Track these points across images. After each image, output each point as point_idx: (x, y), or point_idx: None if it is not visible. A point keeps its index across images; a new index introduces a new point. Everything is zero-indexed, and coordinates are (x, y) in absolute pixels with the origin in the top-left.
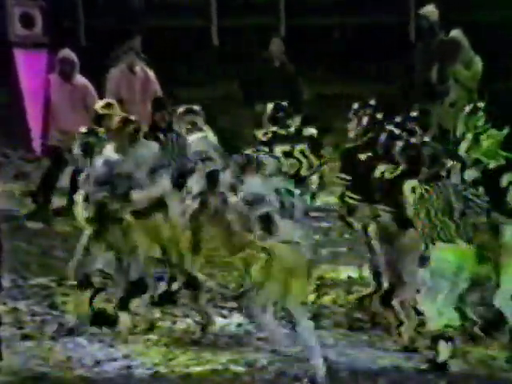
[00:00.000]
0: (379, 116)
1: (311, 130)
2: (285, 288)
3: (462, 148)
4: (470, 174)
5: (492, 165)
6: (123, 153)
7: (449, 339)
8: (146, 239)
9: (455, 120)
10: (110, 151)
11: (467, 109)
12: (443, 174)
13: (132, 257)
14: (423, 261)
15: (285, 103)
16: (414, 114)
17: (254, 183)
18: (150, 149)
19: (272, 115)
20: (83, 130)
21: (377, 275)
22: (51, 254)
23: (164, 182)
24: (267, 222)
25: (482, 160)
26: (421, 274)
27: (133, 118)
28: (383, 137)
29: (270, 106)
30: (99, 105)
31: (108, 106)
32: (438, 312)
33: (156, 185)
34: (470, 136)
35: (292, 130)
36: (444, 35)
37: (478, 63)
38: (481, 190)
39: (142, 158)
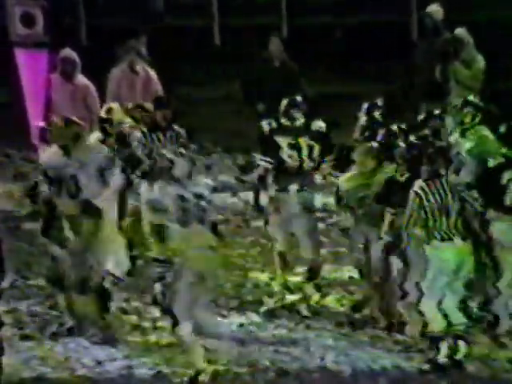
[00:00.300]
0: (378, 116)
1: (319, 124)
2: (195, 291)
3: (452, 143)
4: (463, 173)
5: (491, 163)
6: (67, 153)
7: (459, 338)
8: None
9: None
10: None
11: (456, 102)
12: (442, 172)
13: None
14: (392, 248)
15: (299, 98)
16: (437, 111)
17: (153, 190)
18: (95, 151)
19: (286, 110)
20: (41, 124)
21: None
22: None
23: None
24: (160, 232)
25: (464, 156)
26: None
27: (76, 119)
28: (380, 136)
29: (284, 102)
30: (102, 109)
31: (109, 110)
32: (440, 312)
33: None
34: (457, 130)
35: (299, 122)
36: (448, 34)
37: (480, 62)
38: (475, 192)
39: (87, 160)
